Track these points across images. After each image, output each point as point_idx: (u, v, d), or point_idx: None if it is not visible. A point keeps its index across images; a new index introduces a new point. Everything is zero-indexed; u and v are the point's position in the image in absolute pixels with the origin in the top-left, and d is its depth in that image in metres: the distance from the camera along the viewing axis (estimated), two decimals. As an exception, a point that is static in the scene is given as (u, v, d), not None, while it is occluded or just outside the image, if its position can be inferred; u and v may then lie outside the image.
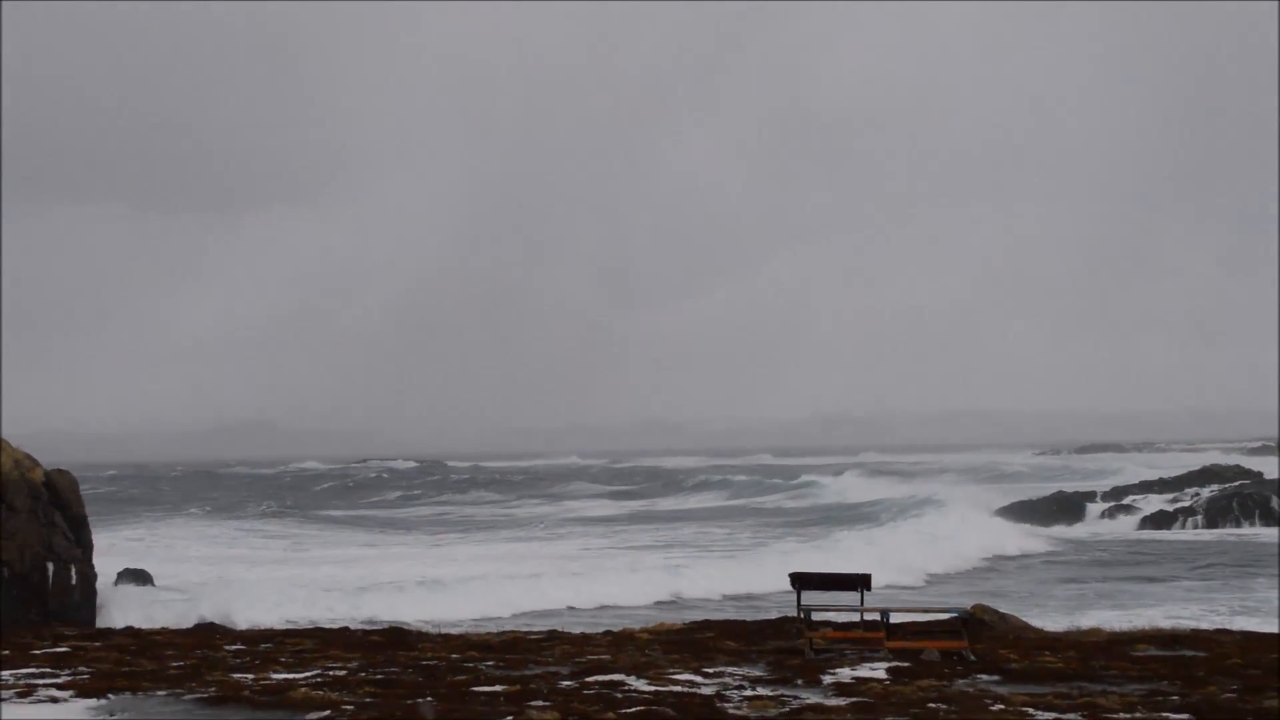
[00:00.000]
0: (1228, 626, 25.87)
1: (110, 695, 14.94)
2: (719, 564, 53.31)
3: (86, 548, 37.78)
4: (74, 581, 36.34)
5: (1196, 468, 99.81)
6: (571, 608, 42.76)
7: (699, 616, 27.04)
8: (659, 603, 44.30)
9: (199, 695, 14.94)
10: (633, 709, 13.78)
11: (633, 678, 15.94)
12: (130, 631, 23.56)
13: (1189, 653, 18.46)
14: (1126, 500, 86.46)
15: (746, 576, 49.04)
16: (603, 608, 42.88)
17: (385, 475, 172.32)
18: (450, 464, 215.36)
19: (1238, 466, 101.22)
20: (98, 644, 20.64)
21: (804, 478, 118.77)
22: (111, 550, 54.46)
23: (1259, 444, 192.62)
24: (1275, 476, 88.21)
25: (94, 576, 38.09)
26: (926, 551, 56.55)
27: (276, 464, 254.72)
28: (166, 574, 49.87)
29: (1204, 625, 27.45)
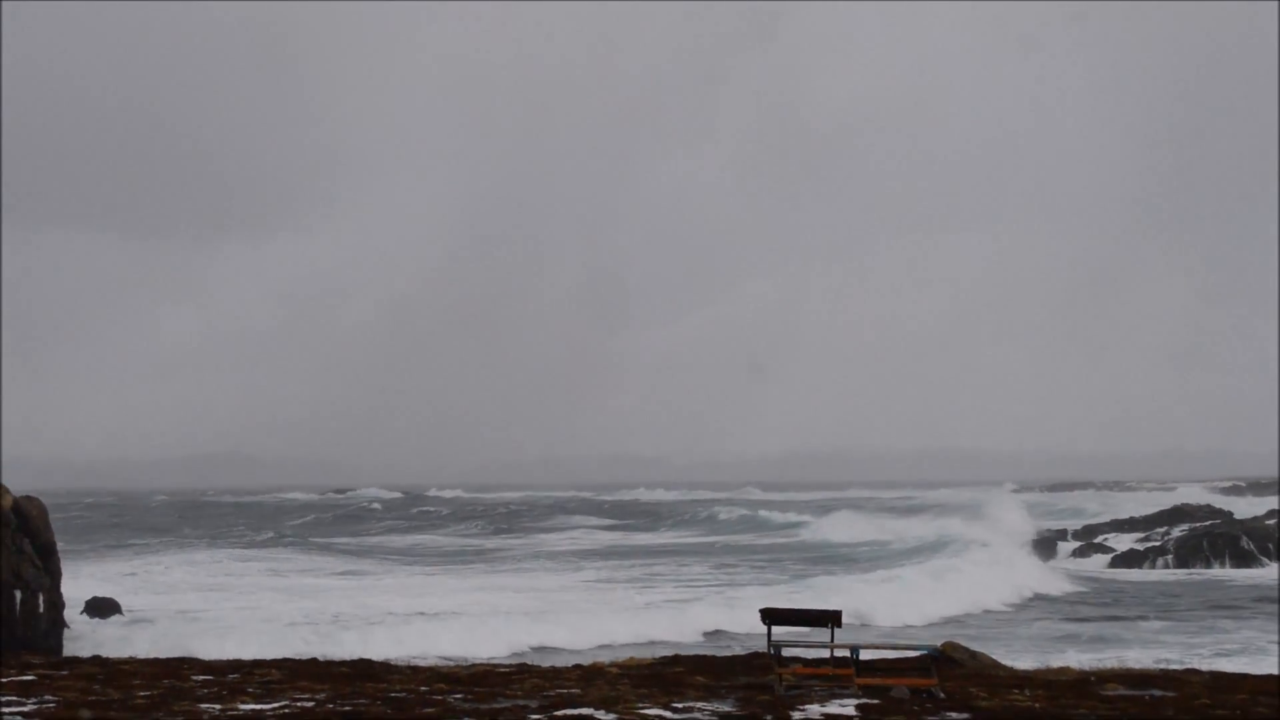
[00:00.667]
0: (1197, 667, 25.92)
1: (76, 725, 14.87)
2: (760, 595, 52.27)
3: (55, 575, 37.50)
4: (41, 609, 36.05)
5: (1168, 507, 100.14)
6: (606, 645, 41.84)
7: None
8: (706, 634, 43.12)
9: (165, 726, 14.87)
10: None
11: (602, 712, 15.92)
12: (97, 660, 23.45)
13: (1158, 692, 18.51)
14: (1097, 539, 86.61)
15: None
16: (632, 644, 42.09)
17: (375, 505, 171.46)
18: (432, 494, 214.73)
19: (1209, 506, 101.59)
20: (64, 673, 20.53)
21: (792, 516, 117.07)
22: (96, 577, 54.31)
23: (1229, 484, 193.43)
24: (1245, 516, 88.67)
25: (62, 605, 37.80)
26: (973, 593, 54.31)
27: (259, 492, 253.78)
28: (146, 604, 49.59)
29: (1173, 665, 27.49)
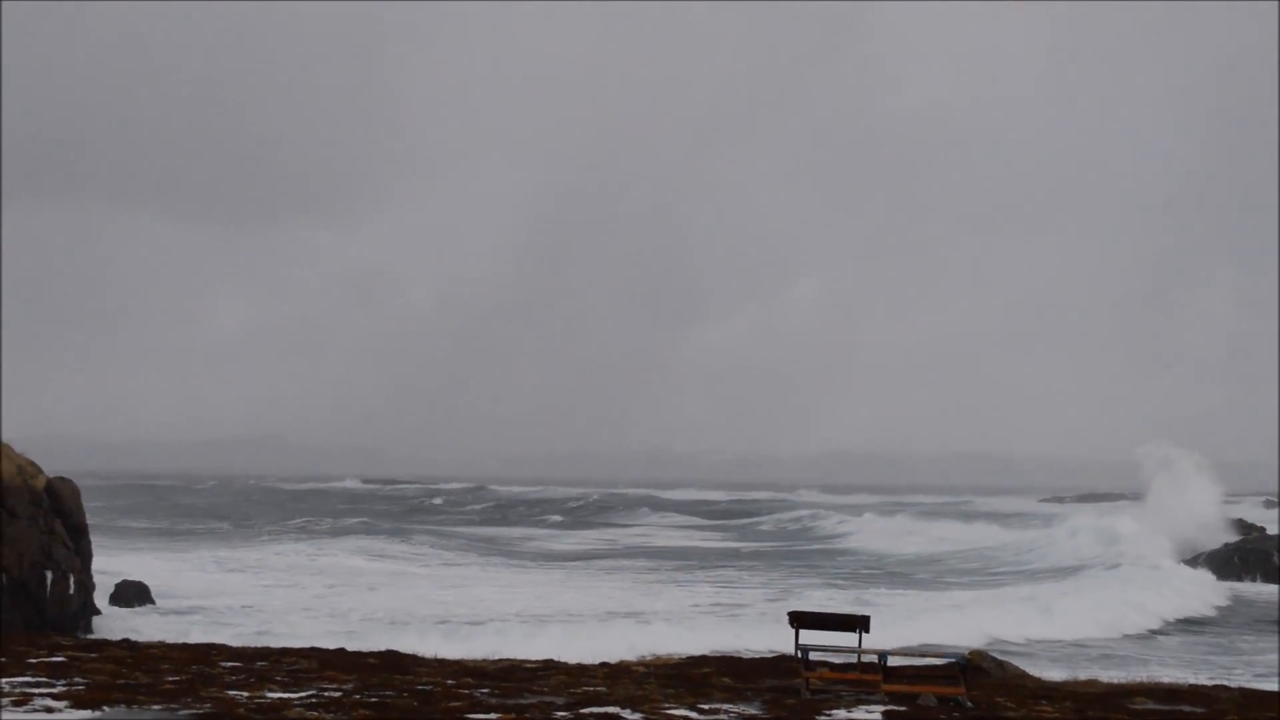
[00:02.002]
0: (1226, 683, 25.73)
1: (105, 708, 14.95)
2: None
3: (85, 557, 37.73)
4: (72, 591, 36.28)
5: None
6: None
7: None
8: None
9: (193, 711, 14.93)
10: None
11: (627, 711, 15.91)
12: (126, 644, 23.57)
13: (1187, 708, 18.39)
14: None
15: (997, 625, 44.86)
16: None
17: (437, 500, 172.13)
18: (492, 488, 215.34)
19: (1241, 520, 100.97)
20: (93, 655, 20.65)
21: (903, 522, 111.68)
22: (137, 567, 54.32)
23: (1262, 499, 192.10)
24: (1277, 531, 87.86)
25: (92, 586, 38.05)
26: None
27: (302, 479, 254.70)
28: (182, 590, 49.76)
29: (1203, 680, 27.31)
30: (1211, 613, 53.52)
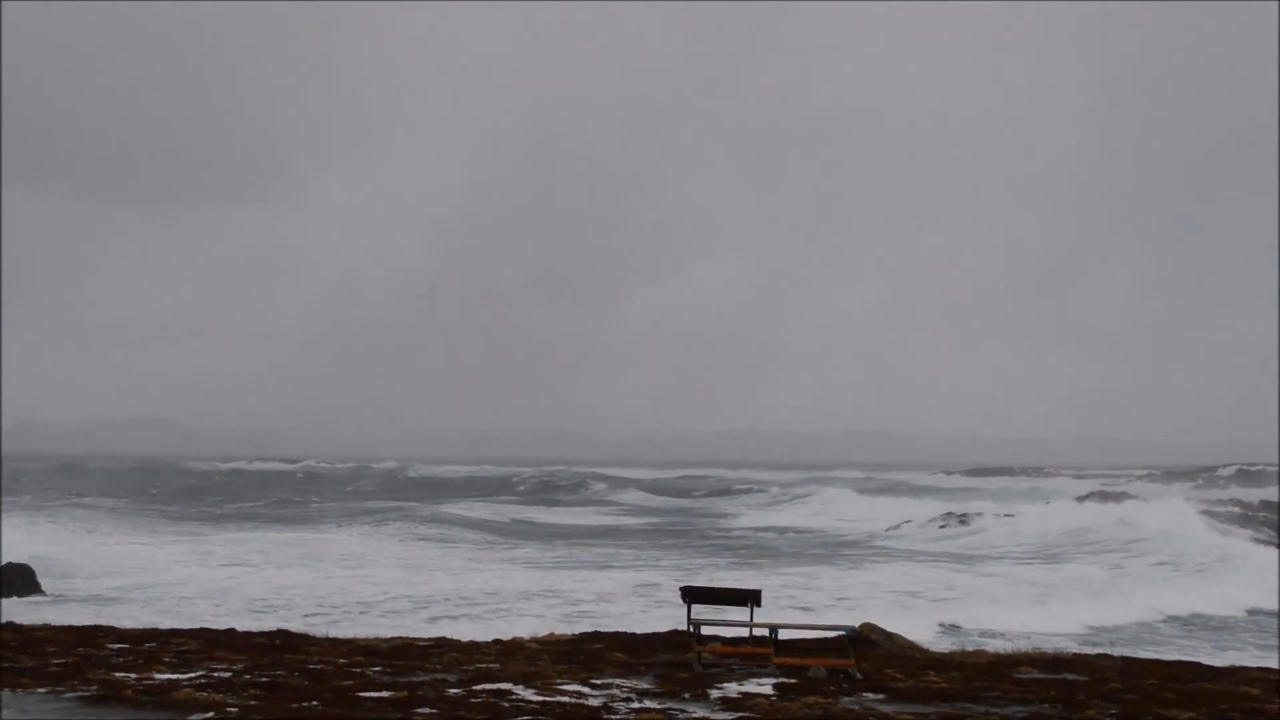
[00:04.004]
0: (1108, 652, 26.28)
1: (-12, 692, 14.69)
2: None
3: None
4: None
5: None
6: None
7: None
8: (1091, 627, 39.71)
9: (80, 694, 14.73)
10: (520, 718, 13.79)
11: (520, 687, 15.93)
12: (11, 627, 23.15)
13: (1070, 676, 18.78)
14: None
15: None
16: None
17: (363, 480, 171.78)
18: (387, 465, 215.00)
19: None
20: (-23, 639, 20.27)
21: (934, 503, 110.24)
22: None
23: (1144, 472, 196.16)
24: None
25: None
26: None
27: (200, 459, 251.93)
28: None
29: (1086, 650, 27.87)
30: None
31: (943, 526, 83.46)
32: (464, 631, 27.93)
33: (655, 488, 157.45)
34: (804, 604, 43.62)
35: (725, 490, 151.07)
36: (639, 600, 43.72)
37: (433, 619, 38.47)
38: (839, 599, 45.44)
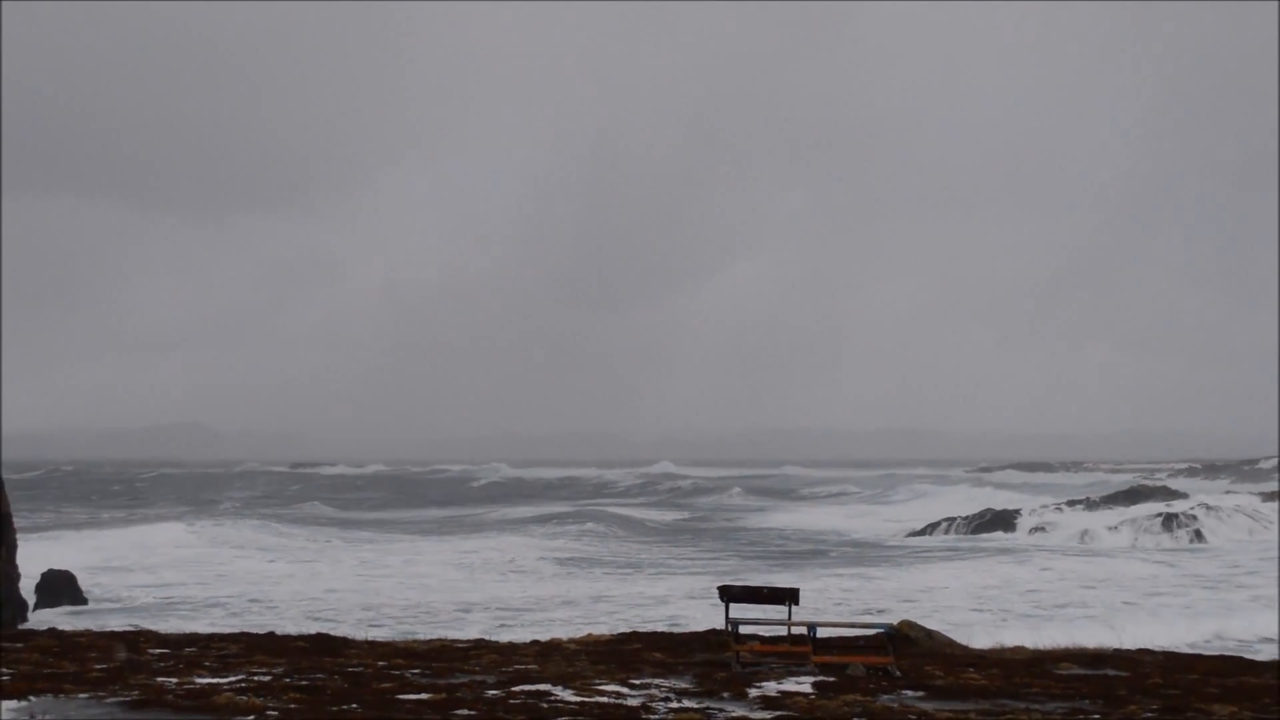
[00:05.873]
0: (1150, 647, 26.12)
1: (32, 698, 14.78)
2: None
3: (10, 547, 37.33)
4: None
5: (1124, 488, 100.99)
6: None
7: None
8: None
9: (122, 699, 14.81)
10: (558, 719, 13.80)
11: (559, 688, 15.94)
12: (53, 633, 23.30)
13: (1111, 672, 18.67)
14: (1052, 518, 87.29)
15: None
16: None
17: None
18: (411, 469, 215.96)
19: (1164, 488, 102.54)
20: (19, 645, 20.41)
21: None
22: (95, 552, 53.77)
23: (1185, 466, 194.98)
24: (1201, 500, 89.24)
25: (17, 576, 37.64)
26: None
27: (217, 465, 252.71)
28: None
29: (1127, 645, 27.71)
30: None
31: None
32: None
33: (755, 488, 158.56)
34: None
35: (838, 493, 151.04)
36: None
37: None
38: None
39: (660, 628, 30.71)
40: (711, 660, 19.13)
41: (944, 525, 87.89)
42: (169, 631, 24.86)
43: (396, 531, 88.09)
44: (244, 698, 14.74)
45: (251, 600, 47.90)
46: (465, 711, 14.05)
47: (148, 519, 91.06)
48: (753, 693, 15.87)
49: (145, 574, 55.91)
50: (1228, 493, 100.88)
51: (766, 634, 19.82)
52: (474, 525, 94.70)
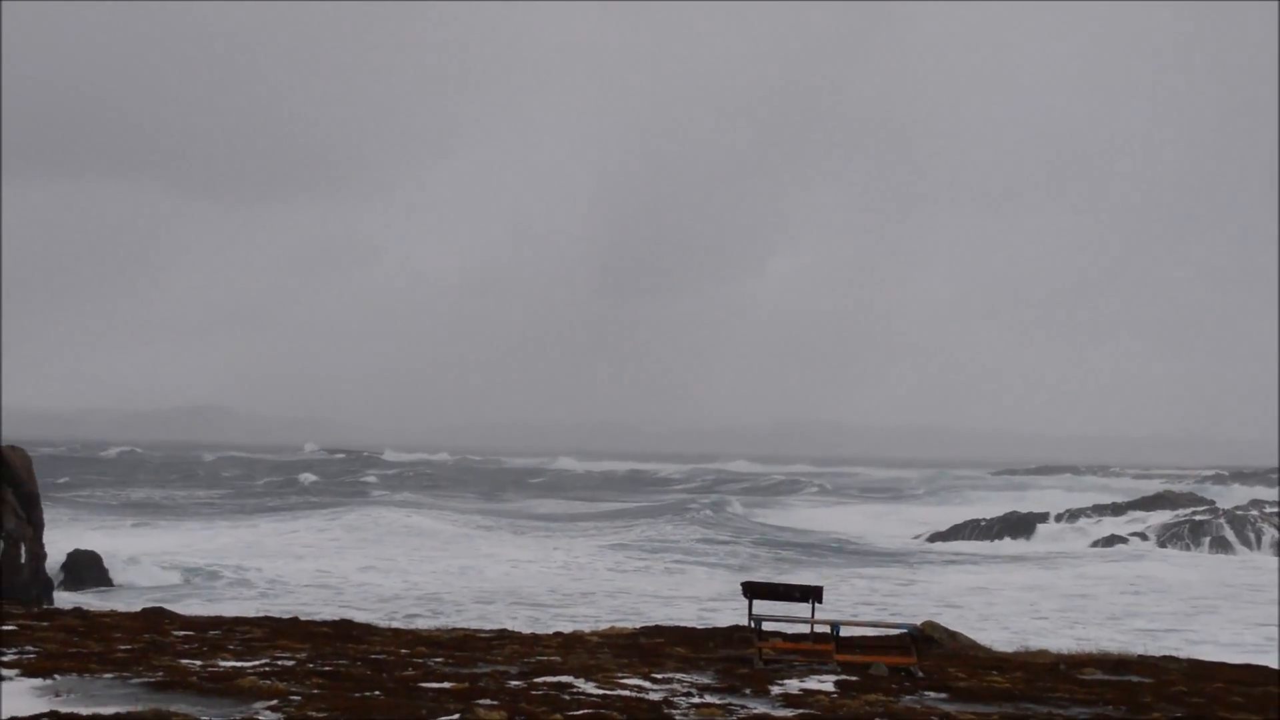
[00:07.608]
0: (1175, 654, 26.00)
1: (56, 676, 14.85)
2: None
3: (37, 526, 37.53)
4: (23, 560, 36.08)
5: (1151, 494, 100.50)
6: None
7: None
8: None
9: (146, 679, 14.87)
10: (580, 711, 13.78)
11: (581, 680, 15.94)
12: (78, 613, 23.42)
13: (1135, 678, 18.59)
14: (1079, 523, 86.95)
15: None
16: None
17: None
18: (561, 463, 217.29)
19: (1191, 494, 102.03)
20: (45, 624, 20.52)
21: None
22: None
23: (1212, 472, 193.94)
24: (1228, 506, 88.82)
25: (44, 556, 37.85)
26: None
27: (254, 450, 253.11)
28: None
29: (1152, 651, 27.60)
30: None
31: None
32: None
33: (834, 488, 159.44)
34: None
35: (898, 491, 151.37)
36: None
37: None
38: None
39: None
40: (734, 657, 19.11)
41: (968, 529, 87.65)
42: (239, 615, 24.95)
43: (569, 525, 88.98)
44: (267, 682, 14.78)
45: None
46: (487, 701, 14.06)
47: (315, 507, 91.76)
48: (774, 690, 15.84)
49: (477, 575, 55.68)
50: (1255, 500, 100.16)
51: (790, 631, 19.79)
52: (630, 517, 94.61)
